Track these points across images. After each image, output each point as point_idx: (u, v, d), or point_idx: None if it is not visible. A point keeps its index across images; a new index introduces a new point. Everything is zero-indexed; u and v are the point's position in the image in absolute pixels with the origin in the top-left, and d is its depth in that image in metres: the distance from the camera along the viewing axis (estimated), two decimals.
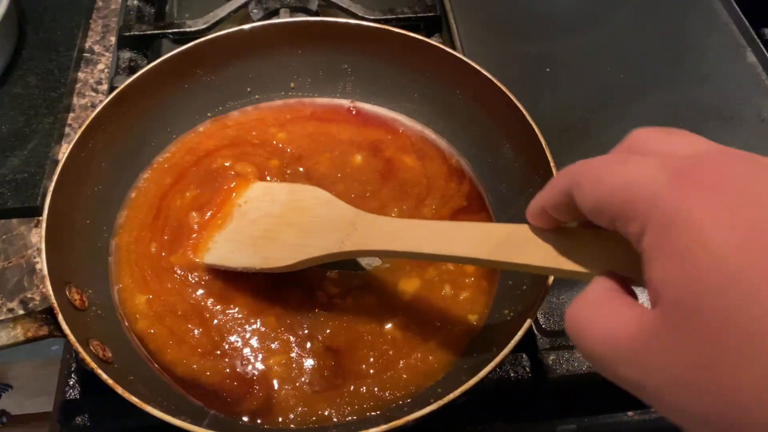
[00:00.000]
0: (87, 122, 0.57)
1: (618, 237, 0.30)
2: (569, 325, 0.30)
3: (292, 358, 0.54)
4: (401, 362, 0.53)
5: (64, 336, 0.47)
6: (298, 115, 0.69)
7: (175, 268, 0.58)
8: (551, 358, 0.56)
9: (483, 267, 0.57)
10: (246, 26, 0.64)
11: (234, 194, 0.60)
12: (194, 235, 0.59)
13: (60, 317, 0.47)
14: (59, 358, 0.69)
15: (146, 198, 0.62)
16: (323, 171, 0.65)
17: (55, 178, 0.53)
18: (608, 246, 0.34)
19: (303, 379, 0.53)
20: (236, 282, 0.57)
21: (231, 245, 0.57)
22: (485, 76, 0.62)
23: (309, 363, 0.53)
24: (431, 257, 0.49)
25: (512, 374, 0.56)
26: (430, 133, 0.68)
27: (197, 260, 0.58)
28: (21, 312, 0.63)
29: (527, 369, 0.56)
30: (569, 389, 0.57)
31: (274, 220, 0.56)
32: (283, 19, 0.69)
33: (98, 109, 0.58)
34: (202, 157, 0.65)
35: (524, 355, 0.56)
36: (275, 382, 0.52)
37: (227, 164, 0.63)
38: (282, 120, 0.69)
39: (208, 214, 0.60)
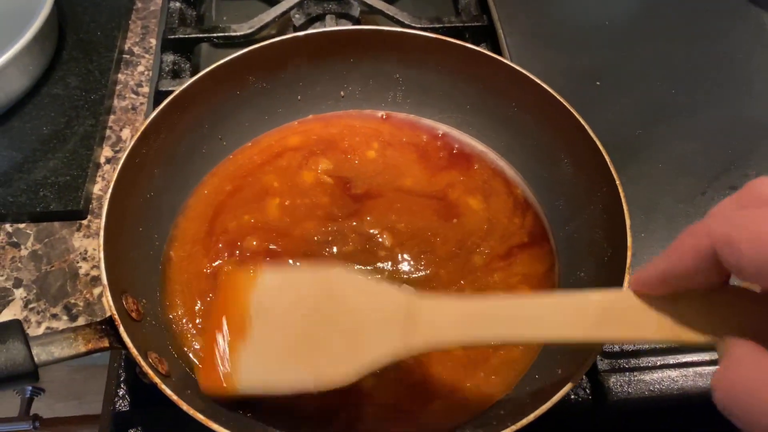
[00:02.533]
0: (143, 127, 0.56)
1: (752, 296, 0.28)
2: (725, 398, 0.29)
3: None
4: (467, 383, 0.52)
5: (125, 348, 0.46)
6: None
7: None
8: (611, 380, 0.55)
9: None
10: (301, 33, 0.63)
11: (241, 292, 0.47)
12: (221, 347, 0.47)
13: (121, 329, 0.46)
14: (95, 363, 0.68)
15: (199, 211, 0.62)
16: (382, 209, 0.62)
17: (112, 183, 0.52)
18: (737, 308, 0.32)
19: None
20: None
21: (264, 363, 0.45)
22: (544, 88, 0.61)
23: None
24: (520, 342, 0.45)
25: (572, 396, 0.55)
26: (480, 145, 0.67)
27: (225, 393, 0.46)
28: (65, 318, 0.62)
29: (587, 391, 0.55)
30: (630, 413, 0.55)
31: (306, 320, 0.45)
32: (338, 27, 0.68)
33: (154, 113, 0.57)
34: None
35: (584, 377, 0.55)
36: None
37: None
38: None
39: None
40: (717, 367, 0.30)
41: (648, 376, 0.55)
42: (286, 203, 0.62)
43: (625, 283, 0.49)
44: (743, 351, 0.29)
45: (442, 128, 0.69)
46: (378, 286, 0.45)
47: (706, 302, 0.33)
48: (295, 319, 0.45)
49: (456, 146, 0.67)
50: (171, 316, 0.56)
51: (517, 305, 0.40)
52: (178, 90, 0.58)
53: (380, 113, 0.70)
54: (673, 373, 0.56)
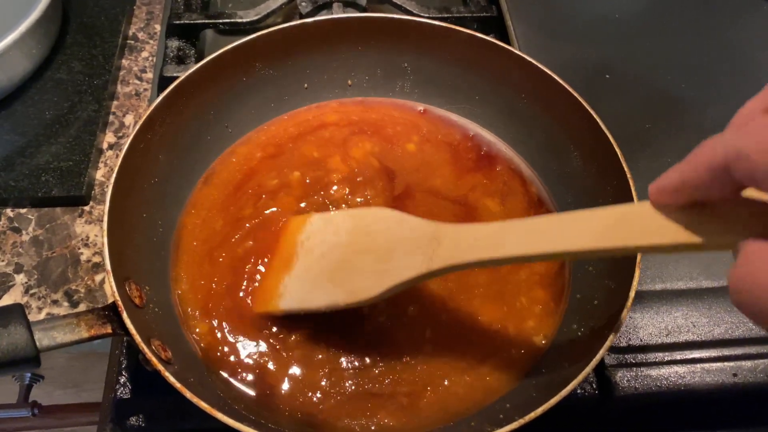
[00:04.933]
0: (149, 112, 0.55)
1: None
2: (741, 293, 0.29)
3: (349, 373, 0.52)
4: (472, 376, 0.51)
5: (128, 335, 0.45)
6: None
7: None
8: (618, 375, 0.55)
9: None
10: (309, 20, 0.63)
11: (292, 233, 0.55)
12: (255, 284, 0.56)
13: (125, 315, 0.45)
14: (95, 350, 0.67)
15: (212, 194, 0.62)
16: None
17: (116, 169, 0.52)
18: (752, 217, 0.32)
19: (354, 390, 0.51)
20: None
21: (305, 285, 0.52)
22: (553, 78, 0.60)
23: (369, 377, 0.52)
24: (540, 258, 0.46)
25: (578, 391, 0.54)
26: (489, 136, 0.66)
27: (269, 310, 0.53)
28: (66, 304, 0.62)
29: (594, 386, 0.54)
30: (637, 408, 0.55)
31: (344, 250, 0.51)
32: (347, 14, 0.67)
33: (160, 98, 0.56)
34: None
35: (591, 372, 0.54)
36: (332, 398, 0.51)
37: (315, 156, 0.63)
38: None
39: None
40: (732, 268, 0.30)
41: (655, 372, 0.55)
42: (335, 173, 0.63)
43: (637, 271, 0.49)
44: (758, 247, 0.29)
45: (473, 128, 0.68)
46: (409, 217, 0.49)
47: (722, 211, 0.33)
48: (334, 251, 0.51)
49: (484, 148, 0.66)
50: (178, 293, 0.56)
51: (535, 223, 0.42)
52: (183, 76, 0.57)
53: (420, 107, 0.69)
54: (680, 369, 0.55)
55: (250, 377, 0.52)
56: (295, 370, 0.52)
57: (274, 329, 0.53)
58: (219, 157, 0.64)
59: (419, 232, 0.47)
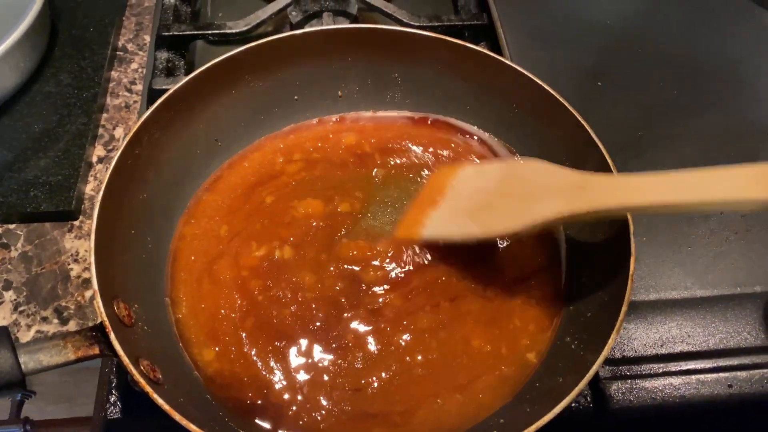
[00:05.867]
0: (136, 127, 0.54)
1: None
2: None
3: (347, 395, 0.51)
4: (465, 393, 0.51)
5: (116, 356, 0.44)
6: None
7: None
8: (613, 387, 0.54)
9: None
10: (298, 31, 0.62)
11: (443, 177, 0.59)
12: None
13: (112, 336, 0.44)
14: (86, 366, 0.66)
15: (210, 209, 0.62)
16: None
17: (104, 185, 0.51)
18: None
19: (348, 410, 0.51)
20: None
21: (447, 219, 0.56)
22: (544, 88, 0.60)
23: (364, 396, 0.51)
24: (687, 208, 0.48)
25: (573, 404, 0.53)
26: (478, 146, 0.66)
27: (411, 237, 0.57)
28: (55, 321, 0.61)
29: (588, 399, 0.54)
30: (632, 420, 0.55)
31: (489, 194, 0.54)
32: (336, 25, 0.67)
33: (147, 113, 0.55)
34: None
35: None
36: (321, 405, 0.51)
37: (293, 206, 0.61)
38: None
39: None
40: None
41: (650, 384, 0.55)
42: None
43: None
44: None
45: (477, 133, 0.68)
46: (559, 168, 0.52)
47: None
48: (481, 194, 0.55)
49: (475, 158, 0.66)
50: (179, 317, 0.55)
51: (678, 175, 0.46)
52: (171, 90, 0.57)
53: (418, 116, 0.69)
54: (675, 381, 0.55)
55: (253, 400, 0.51)
56: (296, 392, 0.52)
57: (278, 355, 0.53)
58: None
59: (565, 179, 0.51)
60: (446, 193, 0.58)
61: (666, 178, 0.46)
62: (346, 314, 0.54)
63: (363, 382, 0.52)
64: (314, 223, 0.59)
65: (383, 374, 0.52)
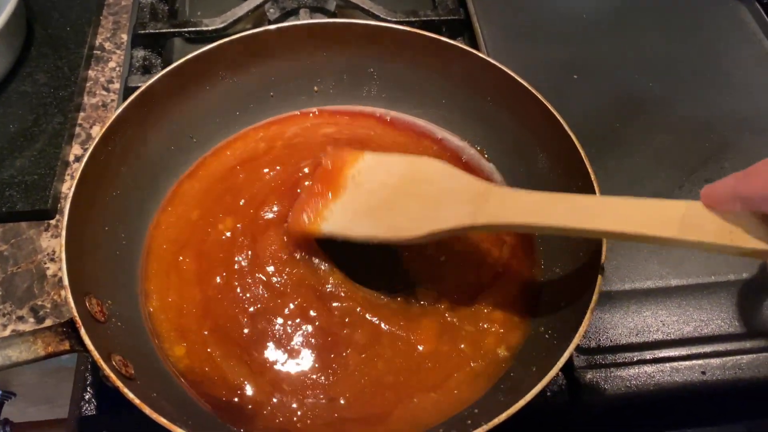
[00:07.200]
0: (108, 124, 0.54)
1: None
2: None
3: (321, 383, 0.51)
4: (433, 395, 0.51)
5: (87, 351, 0.44)
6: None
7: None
8: (588, 376, 0.55)
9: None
10: (272, 27, 0.62)
11: (343, 166, 0.56)
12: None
13: (82, 331, 0.44)
14: (65, 366, 0.66)
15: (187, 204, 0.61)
16: None
17: (74, 183, 0.51)
18: None
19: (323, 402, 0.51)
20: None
21: (349, 215, 0.53)
22: (518, 81, 0.60)
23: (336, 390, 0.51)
24: (579, 233, 0.46)
25: (548, 393, 0.54)
26: (458, 140, 0.66)
27: (311, 231, 0.54)
28: (31, 320, 0.61)
29: (564, 387, 0.54)
30: (607, 409, 0.55)
31: (393, 191, 0.53)
32: (310, 20, 0.67)
33: (119, 110, 0.55)
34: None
35: (560, 374, 0.54)
36: (296, 408, 0.51)
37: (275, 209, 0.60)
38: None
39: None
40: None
41: (624, 372, 0.55)
42: None
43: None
44: None
45: (440, 132, 0.67)
46: (462, 173, 0.51)
47: (755, 221, 0.36)
48: (383, 190, 0.53)
49: (449, 152, 0.66)
50: (150, 311, 0.55)
51: (581, 200, 0.46)
52: (143, 86, 0.57)
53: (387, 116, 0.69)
54: (650, 369, 0.55)
55: (227, 397, 0.51)
56: (269, 395, 0.51)
57: (253, 353, 0.53)
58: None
59: (469, 187, 0.50)
60: (347, 185, 0.55)
61: (573, 200, 0.45)
62: (307, 326, 0.54)
63: (334, 393, 0.52)
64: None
65: (354, 386, 0.52)
